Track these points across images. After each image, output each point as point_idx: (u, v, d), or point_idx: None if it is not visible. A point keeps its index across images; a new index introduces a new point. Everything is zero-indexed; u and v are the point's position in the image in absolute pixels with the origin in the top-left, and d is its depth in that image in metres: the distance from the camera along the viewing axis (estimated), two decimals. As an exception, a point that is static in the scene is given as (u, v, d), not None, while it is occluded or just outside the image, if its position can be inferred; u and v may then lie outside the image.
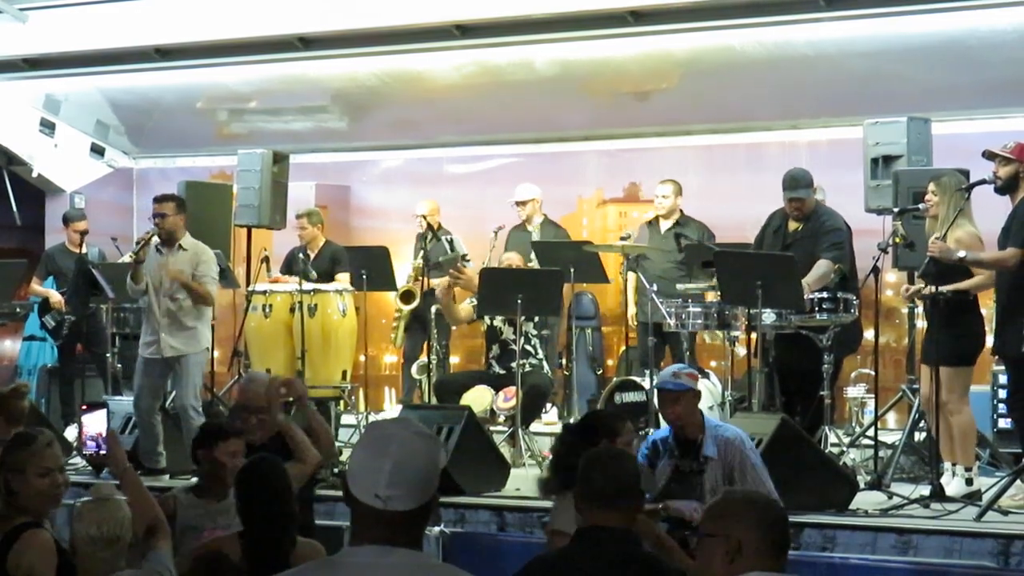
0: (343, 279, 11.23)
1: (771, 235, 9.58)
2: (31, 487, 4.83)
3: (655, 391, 6.54)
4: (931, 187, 8.33)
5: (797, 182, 9.39)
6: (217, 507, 5.90)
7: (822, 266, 9.15)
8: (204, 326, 9.81)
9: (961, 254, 7.97)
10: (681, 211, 10.99)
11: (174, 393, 10.04)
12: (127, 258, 12.20)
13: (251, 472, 5.16)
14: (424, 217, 11.69)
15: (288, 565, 4.72)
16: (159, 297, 9.70)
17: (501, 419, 10.12)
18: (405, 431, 2.97)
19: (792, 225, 9.48)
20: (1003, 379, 9.53)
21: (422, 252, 11.37)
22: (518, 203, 11.64)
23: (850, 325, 9.12)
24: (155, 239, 9.72)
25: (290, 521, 5.03)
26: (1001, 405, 9.65)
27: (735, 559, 3.40)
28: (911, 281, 9.42)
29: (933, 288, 8.16)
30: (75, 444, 10.27)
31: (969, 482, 8.13)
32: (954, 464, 8.22)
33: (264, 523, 4.97)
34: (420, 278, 11.55)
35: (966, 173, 8.85)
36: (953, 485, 8.11)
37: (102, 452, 5.03)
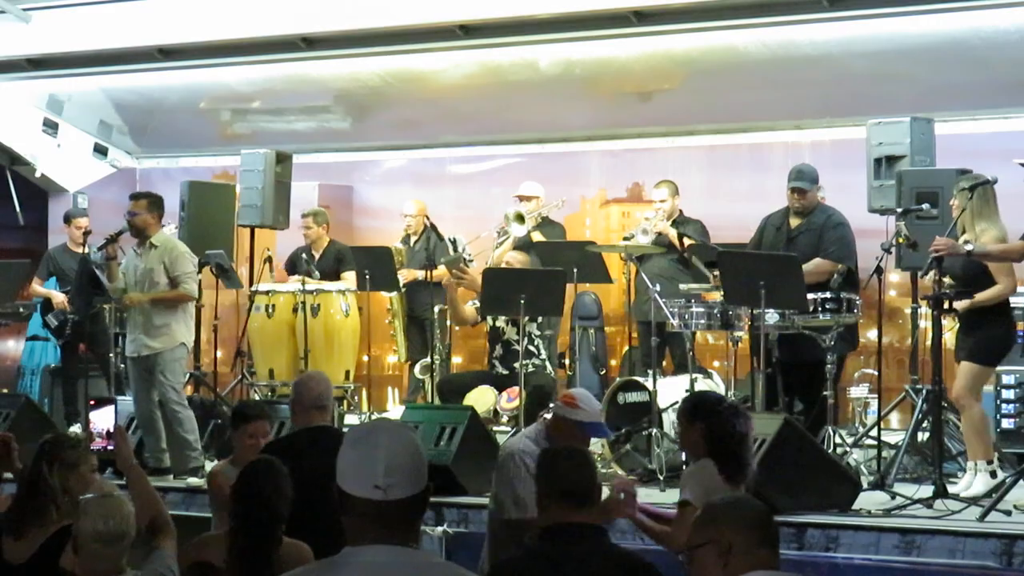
0: (349, 278, 11.24)
1: (772, 232, 9.61)
2: (86, 484, 4.91)
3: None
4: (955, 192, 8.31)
5: (803, 174, 9.54)
6: None
7: (813, 263, 9.18)
8: (178, 322, 9.78)
9: (968, 247, 7.96)
10: (680, 211, 10.98)
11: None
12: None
13: (250, 475, 5.18)
14: (425, 217, 11.82)
15: (271, 565, 4.76)
16: None
17: (504, 419, 10.12)
18: (387, 424, 3.09)
19: (794, 221, 9.53)
20: (1007, 379, 9.56)
21: (412, 243, 11.44)
22: (521, 197, 11.63)
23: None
24: (128, 237, 9.83)
25: (278, 524, 5.04)
26: (1004, 405, 9.66)
27: (729, 561, 3.42)
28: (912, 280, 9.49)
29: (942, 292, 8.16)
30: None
31: (993, 475, 8.12)
32: (976, 462, 8.24)
33: (252, 525, 4.99)
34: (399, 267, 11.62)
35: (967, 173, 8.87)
36: (978, 482, 8.11)
37: (109, 447, 5.04)
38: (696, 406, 5.72)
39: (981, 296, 8.18)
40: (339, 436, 6.02)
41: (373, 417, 11.05)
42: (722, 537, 3.44)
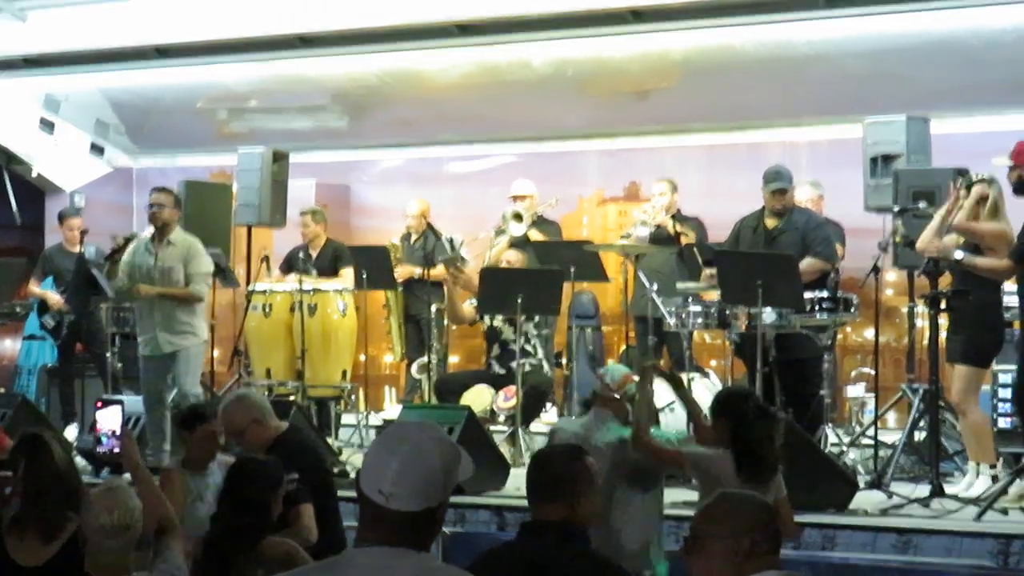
0: (347, 274, 11.24)
1: (748, 234, 9.59)
2: None
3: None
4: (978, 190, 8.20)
5: (781, 175, 9.51)
6: (198, 476, 6.34)
7: (805, 263, 9.18)
8: (198, 319, 9.87)
9: (959, 255, 7.97)
10: (679, 209, 10.98)
11: (176, 388, 10.06)
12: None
13: (240, 472, 5.19)
14: (423, 217, 11.83)
15: (249, 559, 4.79)
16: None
17: (501, 419, 10.13)
18: (421, 433, 2.96)
19: (771, 222, 9.51)
20: (1004, 379, 9.54)
21: (412, 241, 11.43)
22: (515, 197, 11.63)
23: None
24: (144, 235, 9.82)
25: (261, 528, 5.06)
26: (1001, 405, 9.65)
27: (746, 559, 3.40)
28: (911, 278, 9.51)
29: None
30: (75, 443, 10.29)
31: (995, 479, 8.12)
32: (978, 463, 8.24)
33: (234, 526, 5.01)
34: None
35: (965, 173, 8.86)
36: (978, 484, 8.12)
37: (115, 450, 5.05)
38: (723, 402, 6.01)
39: (983, 262, 8.08)
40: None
41: (370, 417, 11.07)
42: (739, 535, 3.43)
